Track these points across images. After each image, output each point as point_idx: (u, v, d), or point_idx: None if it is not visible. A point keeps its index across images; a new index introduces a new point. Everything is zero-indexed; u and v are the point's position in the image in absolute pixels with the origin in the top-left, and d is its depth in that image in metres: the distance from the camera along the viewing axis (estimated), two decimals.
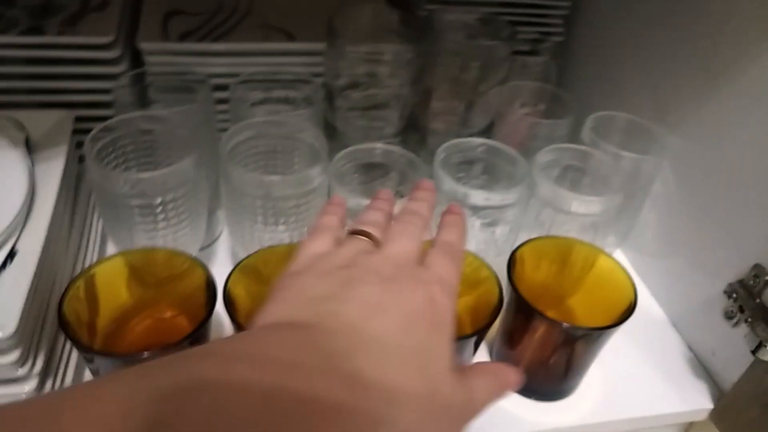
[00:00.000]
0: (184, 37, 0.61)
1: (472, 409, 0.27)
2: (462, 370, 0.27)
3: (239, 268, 0.43)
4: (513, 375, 0.29)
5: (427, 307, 0.27)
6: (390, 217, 0.34)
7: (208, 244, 0.56)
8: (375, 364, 0.24)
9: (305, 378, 0.22)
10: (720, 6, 0.49)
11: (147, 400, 0.19)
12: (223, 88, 0.55)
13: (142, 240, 0.45)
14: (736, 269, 0.48)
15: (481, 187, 0.56)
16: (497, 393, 0.29)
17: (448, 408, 0.25)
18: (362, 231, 0.31)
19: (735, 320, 0.48)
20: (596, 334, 0.43)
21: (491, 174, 0.54)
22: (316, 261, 0.30)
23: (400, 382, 0.24)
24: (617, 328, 0.42)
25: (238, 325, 0.40)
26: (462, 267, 0.32)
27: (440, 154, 0.50)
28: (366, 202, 0.46)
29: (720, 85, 0.49)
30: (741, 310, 0.47)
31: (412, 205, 0.34)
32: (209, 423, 0.19)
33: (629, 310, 0.43)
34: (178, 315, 0.47)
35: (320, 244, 0.31)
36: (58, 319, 0.37)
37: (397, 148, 0.50)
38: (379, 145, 0.50)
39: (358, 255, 0.29)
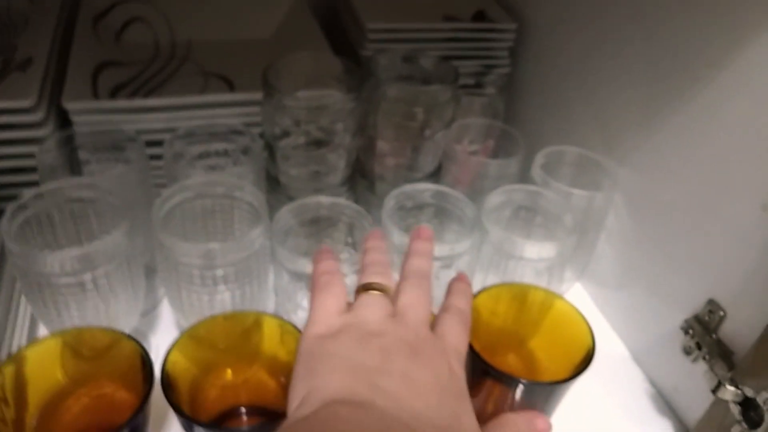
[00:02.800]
0: (116, 91, 0.58)
1: None
2: (488, 428, 0.31)
3: (181, 340, 0.41)
4: (541, 423, 0.33)
5: (450, 379, 0.30)
6: (387, 254, 0.36)
7: (152, 308, 0.53)
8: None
9: None
10: (665, 35, 0.48)
11: None
12: (158, 143, 0.52)
13: (73, 318, 0.42)
14: (692, 303, 0.47)
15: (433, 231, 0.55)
16: None
17: None
18: (373, 285, 0.33)
19: (693, 356, 0.47)
20: (554, 387, 0.42)
21: (442, 217, 0.53)
22: (344, 325, 0.31)
23: None
24: (575, 379, 0.41)
25: (176, 408, 0.37)
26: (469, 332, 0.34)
27: (388, 202, 0.49)
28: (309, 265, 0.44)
29: (666, 115, 0.49)
30: (698, 346, 0.46)
31: (416, 262, 0.36)
32: None
33: (587, 359, 0.42)
34: (118, 389, 0.44)
35: (336, 301, 0.33)
36: None
37: (342, 200, 0.49)
38: (324, 199, 0.48)
39: (383, 321, 0.32)
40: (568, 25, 0.61)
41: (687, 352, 0.47)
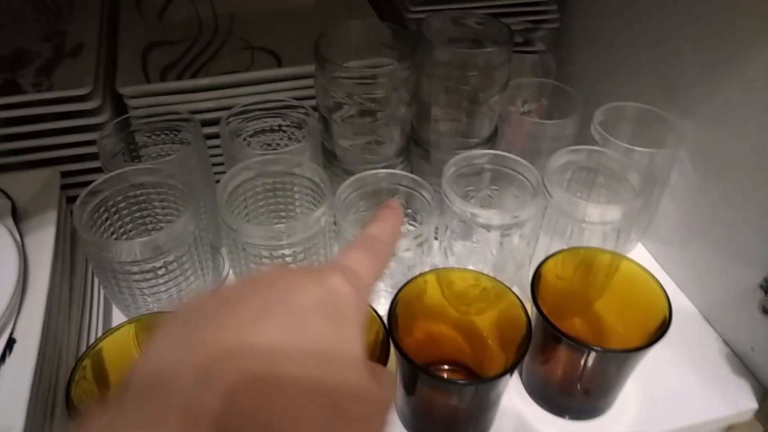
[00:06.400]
0: (166, 71, 0.58)
1: (386, 405, 0.25)
2: (371, 364, 0.25)
3: None
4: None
5: (324, 301, 0.24)
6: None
7: (219, 284, 0.54)
8: (269, 370, 0.22)
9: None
10: None
11: None
12: (213, 122, 0.52)
13: (146, 301, 0.43)
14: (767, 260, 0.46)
15: (493, 197, 0.54)
16: None
17: (361, 403, 0.23)
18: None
19: None
20: (628, 355, 0.41)
21: (500, 182, 0.52)
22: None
23: (300, 384, 0.22)
24: (652, 347, 0.40)
25: None
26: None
27: (447, 170, 0.48)
28: None
29: (734, 65, 0.47)
30: None
31: (375, 227, 0.30)
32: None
33: (664, 327, 0.41)
34: None
35: None
36: (67, 408, 0.35)
37: (400, 171, 0.48)
38: (382, 171, 0.48)
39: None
40: None
41: (766, 311, 0.46)
